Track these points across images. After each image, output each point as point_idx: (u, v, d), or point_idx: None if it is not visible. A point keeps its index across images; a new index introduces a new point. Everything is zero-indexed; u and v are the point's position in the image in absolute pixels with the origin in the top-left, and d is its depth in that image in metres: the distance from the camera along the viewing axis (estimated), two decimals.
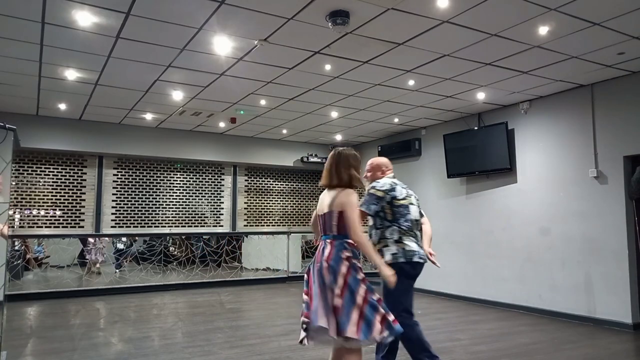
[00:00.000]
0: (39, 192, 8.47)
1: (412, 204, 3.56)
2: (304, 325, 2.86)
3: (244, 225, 10.42)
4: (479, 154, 7.49)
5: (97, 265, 10.48)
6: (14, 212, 8.25)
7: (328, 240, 2.98)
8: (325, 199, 3.08)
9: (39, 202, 8.47)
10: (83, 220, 8.79)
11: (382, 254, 3.40)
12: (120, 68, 5.67)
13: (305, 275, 3.04)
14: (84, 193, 8.83)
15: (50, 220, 8.55)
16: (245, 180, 10.51)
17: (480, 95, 6.75)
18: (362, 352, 2.92)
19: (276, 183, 10.89)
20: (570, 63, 5.44)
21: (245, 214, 10.46)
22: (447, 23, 4.39)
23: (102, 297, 8.01)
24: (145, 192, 9.40)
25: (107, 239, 10.85)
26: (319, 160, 10.47)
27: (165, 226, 9.54)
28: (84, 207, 8.81)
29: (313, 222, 3.24)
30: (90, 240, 10.38)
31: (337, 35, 4.66)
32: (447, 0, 3.96)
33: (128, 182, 9.25)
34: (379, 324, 2.80)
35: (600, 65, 5.54)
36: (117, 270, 10.81)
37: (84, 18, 4.30)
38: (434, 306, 7.31)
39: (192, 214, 9.84)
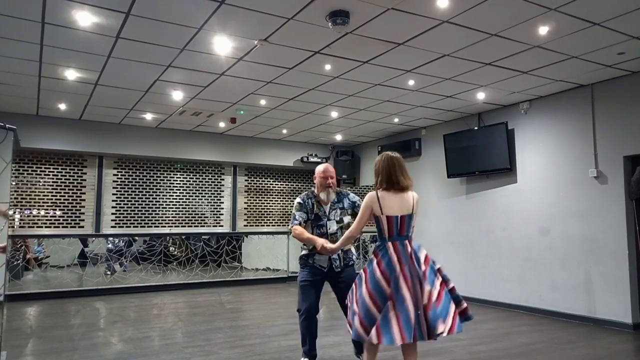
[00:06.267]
0: (39, 192, 8.46)
1: None
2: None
3: (244, 225, 10.42)
4: (479, 154, 7.49)
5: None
6: (14, 212, 8.24)
7: (407, 241, 3.05)
8: (405, 200, 3.12)
9: (39, 202, 8.46)
10: (83, 220, 8.78)
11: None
12: (120, 68, 5.67)
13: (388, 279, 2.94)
14: (84, 193, 8.82)
15: (50, 220, 8.54)
16: (245, 180, 10.51)
17: (480, 95, 6.74)
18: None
19: (276, 183, 10.88)
20: (570, 63, 5.44)
21: (245, 214, 10.45)
22: (447, 23, 4.39)
23: (102, 297, 8.01)
24: (145, 192, 9.39)
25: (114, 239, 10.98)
26: (319, 160, 10.45)
27: (165, 226, 9.54)
28: (84, 207, 8.80)
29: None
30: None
31: (337, 35, 4.66)
32: (447, 0, 3.96)
33: (128, 182, 9.25)
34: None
35: (600, 65, 5.54)
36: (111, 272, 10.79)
37: (84, 18, 4.30)
38: None
39: (192, 214, 9.84)
